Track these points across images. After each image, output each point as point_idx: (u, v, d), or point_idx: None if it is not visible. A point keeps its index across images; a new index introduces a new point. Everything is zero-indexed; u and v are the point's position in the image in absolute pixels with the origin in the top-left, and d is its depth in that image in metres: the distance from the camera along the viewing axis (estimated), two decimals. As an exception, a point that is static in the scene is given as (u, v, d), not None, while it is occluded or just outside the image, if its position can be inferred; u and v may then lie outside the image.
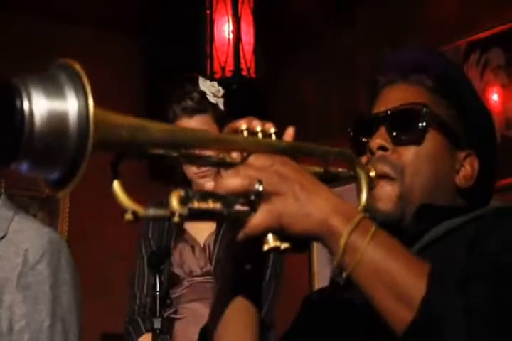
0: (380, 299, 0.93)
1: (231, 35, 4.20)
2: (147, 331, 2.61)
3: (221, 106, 2.84)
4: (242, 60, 4.19)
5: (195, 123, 2.76)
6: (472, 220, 1.15)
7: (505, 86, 3.53)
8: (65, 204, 4.54)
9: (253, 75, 4.24)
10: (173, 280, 2.73)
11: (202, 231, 2.80)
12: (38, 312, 1.69)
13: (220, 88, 2.86)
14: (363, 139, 1.29)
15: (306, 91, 4.39)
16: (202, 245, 2.78)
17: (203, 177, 2.75)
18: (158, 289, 2.42)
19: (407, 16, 3.87)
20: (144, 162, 4.14)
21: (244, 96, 4.15)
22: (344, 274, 0.94)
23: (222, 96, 2.86)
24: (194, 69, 3.25)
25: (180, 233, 2.80)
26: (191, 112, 2.77)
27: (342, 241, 0.93)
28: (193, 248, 2.78)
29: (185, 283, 2.74)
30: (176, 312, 2.72)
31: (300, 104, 4.34)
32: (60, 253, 1.79)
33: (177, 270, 2.74)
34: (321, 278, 4.23)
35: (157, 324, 2.37)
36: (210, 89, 2.82)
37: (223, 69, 4.18)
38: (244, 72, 4.21)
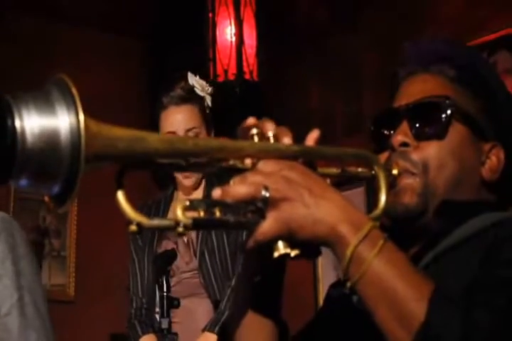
0: (381, 316, 0.91)
1: (233, 38, 4.17)
2: (152, 331, 2.69)
3: (209, 102, 2.88)
4: (244, 63, 4.17)
5: (181, 112, 2.80)
6: (492, 226, 1.10)
7: (513, 89, 3.48)
8: (73, 207, 4.58)
9: (256, 78, 4.21)
10: None
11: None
12: (6, 287, 1.74)
13: (208, 85, 2.91)
14: (385, 133, 1.24)
15: (310, 95, 4.35)
16: (185, 240, 2.80)
17: (186, 177, 2.83)
18: (165, 290, 2.44)
19: (412, 19, 3.82)
20: (148, 173, 4.17)
21: (247, 100, 4.13)
22: (348, 284, 0.93)
23: (210, 94, 2.90)
24: (197, 73, 3.23)
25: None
26: (179, 100, 2.81)
27: (349, 251, 0.91)
28: (176, 244, 2.81)
29: (175, 279, 2.75)
30: None
31: (304, 108, 4.30)
32: (14, 230, 1.82)
33: None
34: (326, 283, 4.19)
35: (165, 324, 2.39)
36: (199, 82, 2.87)
37: (226, 72, 4.15)
38: (247, 76, 4.18)
